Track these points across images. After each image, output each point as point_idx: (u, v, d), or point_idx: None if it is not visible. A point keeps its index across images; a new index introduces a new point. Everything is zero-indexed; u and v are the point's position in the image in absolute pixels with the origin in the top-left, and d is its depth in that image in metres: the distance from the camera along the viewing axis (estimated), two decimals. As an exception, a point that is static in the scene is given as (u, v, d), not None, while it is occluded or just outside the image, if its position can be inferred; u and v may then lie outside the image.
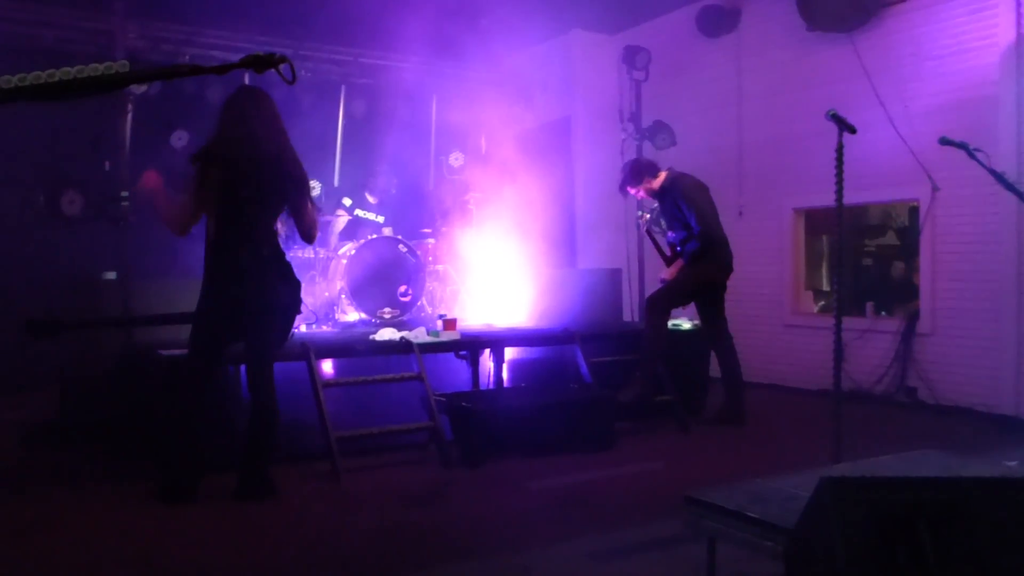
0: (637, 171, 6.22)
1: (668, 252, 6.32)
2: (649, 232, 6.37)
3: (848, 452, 4.11)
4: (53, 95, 1.97)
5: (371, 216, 8.16)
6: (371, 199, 8.33)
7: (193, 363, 4.24)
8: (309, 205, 4.28)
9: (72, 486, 4.54)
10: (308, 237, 4.39)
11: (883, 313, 7.33)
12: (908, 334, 6.88)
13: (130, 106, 7.84)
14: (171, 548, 3.60)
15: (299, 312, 4.43)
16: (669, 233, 6.25)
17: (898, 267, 7.52)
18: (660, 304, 6.00)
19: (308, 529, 3.86)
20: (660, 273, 6.33)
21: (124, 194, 6.66)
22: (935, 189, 6.68)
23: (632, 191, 6.31)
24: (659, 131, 8.06)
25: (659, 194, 6.18)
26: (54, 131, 7.61)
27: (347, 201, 8.04)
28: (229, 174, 4.09)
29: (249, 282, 4.11)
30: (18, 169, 7.58)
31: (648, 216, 6.38)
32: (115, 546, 3.60)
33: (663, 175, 6.17)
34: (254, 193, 4.11)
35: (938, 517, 1.97)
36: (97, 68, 2.01)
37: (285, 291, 4.23)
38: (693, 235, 5.95)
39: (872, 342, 7.12)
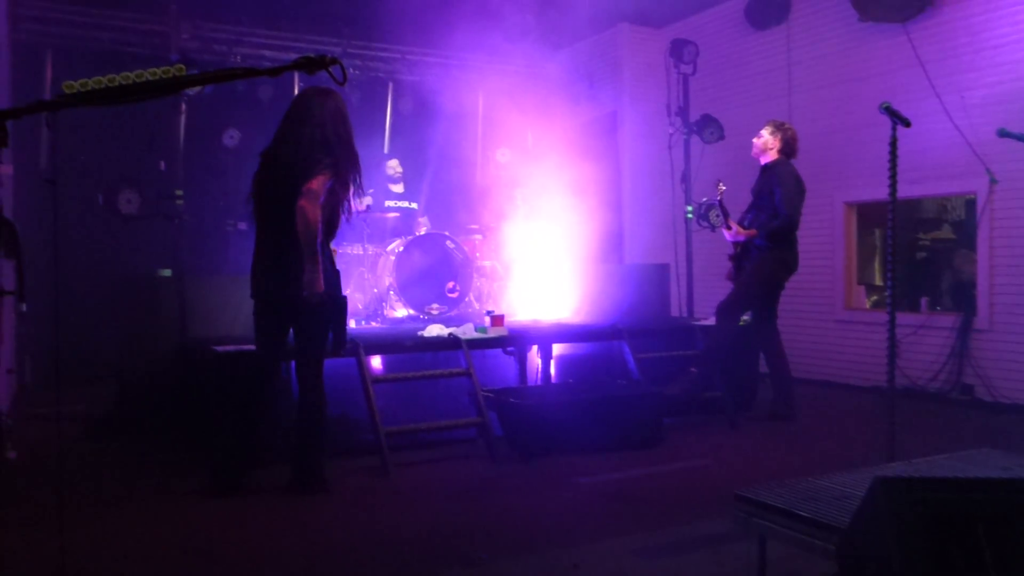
0: (784, 130, 6.08)
1: (732, 226, 6.13)
2: (722, 202, 6.19)
3: (902, 451, 4.04)
4: (114, 99, 2.03)
5: (404, 204, 8.20)
6: (395, 189, 8.37)
7: (258, 356, 4.36)
8: (303, 204, 4.04)
9: (129, 477, 4.65)
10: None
11: (938, 308, 7.18)
12: (964, 330, 6.73)
13: (184, 106, 8.01)
14: (224, 538, 3.67)
15: (333, 310, 4.27)
16: (748, 216, 6.11)
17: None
18: (733, 309, 5.97)
19: (358, 523, 3.91)
20: (731, 232, 6.09)
21: (179, 192, 6.80)
22: (993, 182, 6.52)
23: (762, 134, 6.11)
24: (707, 125, 7.99)
25: (764, 167, 6.08)
26: (111, 132, 7.80)
27: (368, 200, 8.06)
28: (259, 172, 4.28)
29: (275, 278, 4.18)
30: (78, 169, 7.79)
31: (724, 188, 6.23)
32: (170, 536, 3.69)
33: (779, 154, 6.04)
34: (273, 191, 4.18)
35: (997, 519, 1.93)
36: (155, 73, 2.07)
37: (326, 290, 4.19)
38: (775, 217, 5.85)
39: (927, 338, 6.98)
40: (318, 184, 4.08)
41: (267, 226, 4.25)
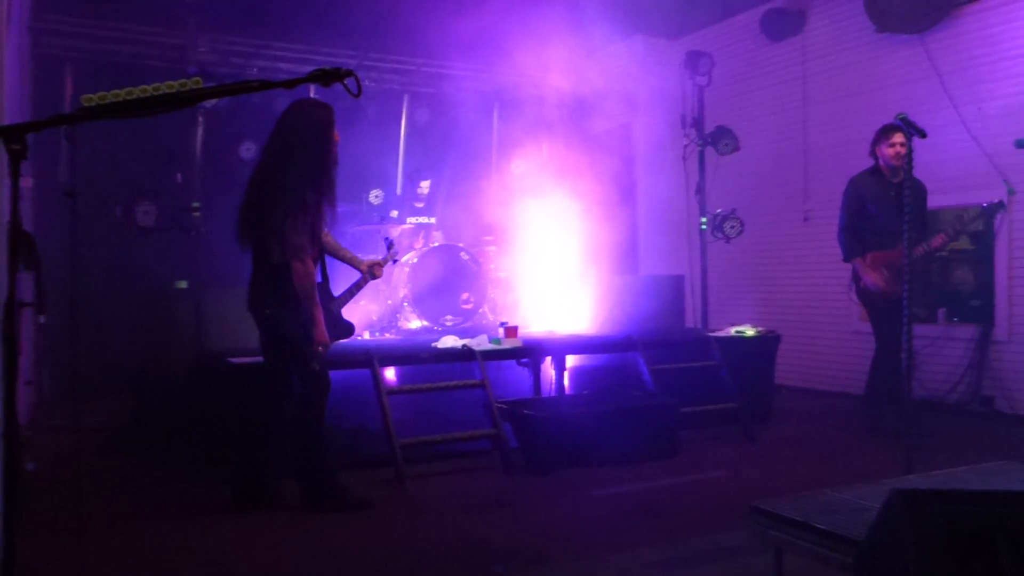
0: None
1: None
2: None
3: (920, 463, 4.01)
4: (132, 112, 2.06)
5: (424, 219, 8.26)
6: (418, 205, 8.44)
7: (266, 370, 4.37)
8: (274, 235, 4.05)
9: (147, 490, 4.68)
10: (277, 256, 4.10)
11: (955, 320, 7.12)
12: (983, 341, 6.67)
13: (200, 119, 8.07)
14: (241, 552, 3.68)
15: (286, 337, 4.16)
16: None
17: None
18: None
19: (373, 535, 3.91)
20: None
21: (195, 205, 6.86)
22: (1011, 192, 6.47)
23: (906, 143, 5.89)
24: (722, 136, 7.97)
25: (910, 177, 5.92)
26: (129, 144, 7.87)
27: (394, 213, 8.14)
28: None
29: (251, 295, 4.23)
30: (96, 182, 7.86)
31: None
32: (188, 550, 3.70)
33: None
34: (249, 211, 4.20)
35: (1016, 533, 1.90)
36: (173, 85, 2.09)
37: (272, 310, 4.17)
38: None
39: (944, 350, 6.92)
40: (295, 234, 3.98)
41: (249, 244, 4.25)
